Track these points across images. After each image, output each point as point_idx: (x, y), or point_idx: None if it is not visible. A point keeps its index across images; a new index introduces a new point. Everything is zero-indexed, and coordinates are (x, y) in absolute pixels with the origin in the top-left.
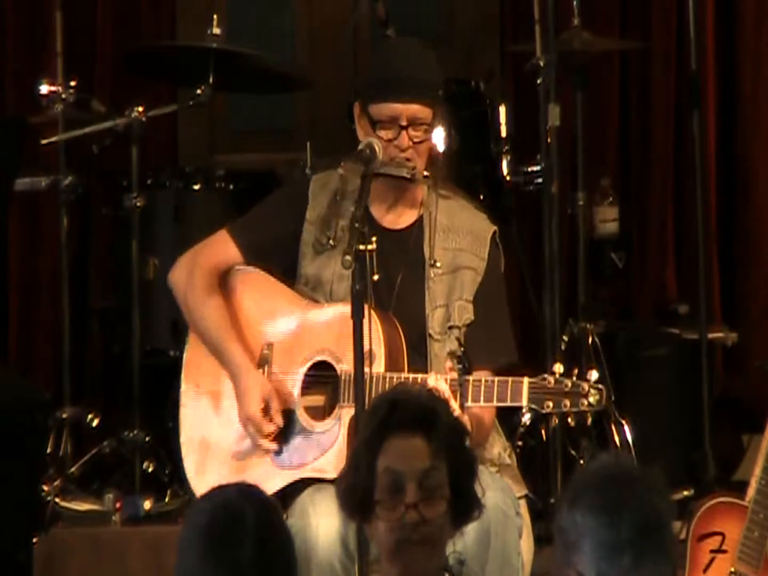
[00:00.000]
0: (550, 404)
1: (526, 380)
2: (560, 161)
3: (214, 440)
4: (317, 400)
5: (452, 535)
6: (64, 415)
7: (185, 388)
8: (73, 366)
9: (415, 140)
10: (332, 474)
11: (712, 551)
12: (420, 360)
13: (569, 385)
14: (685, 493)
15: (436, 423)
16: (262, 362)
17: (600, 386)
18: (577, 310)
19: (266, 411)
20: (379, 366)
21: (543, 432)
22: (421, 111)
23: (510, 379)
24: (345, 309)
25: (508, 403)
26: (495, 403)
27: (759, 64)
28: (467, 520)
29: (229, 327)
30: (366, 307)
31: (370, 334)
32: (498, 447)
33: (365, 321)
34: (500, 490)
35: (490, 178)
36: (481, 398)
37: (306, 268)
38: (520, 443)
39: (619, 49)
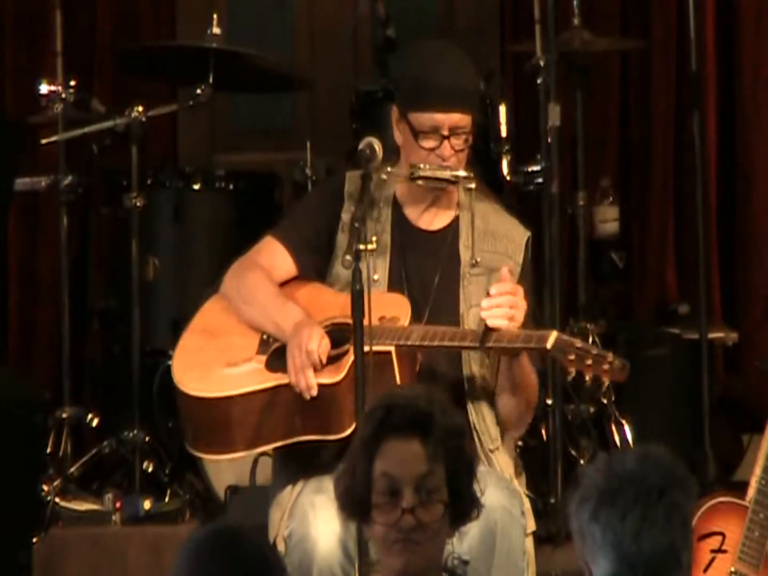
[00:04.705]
0: (573, 357)
1: (555, 331)
2: (560, 161)
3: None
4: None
5: (451, 536)
6: (64, 415)
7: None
8: (73, 366)
9: (457, 148)
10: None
11: (712, 551)
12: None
13: (595, 350)
14: None
15: (432, 426)
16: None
17: (626, 361)
18: (577, 310)
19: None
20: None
21: (543, 432)
22: (462, 119)
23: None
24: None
25: (533, 345)
26: (519, 344)
27: (759, 64)
28: (466, 520)
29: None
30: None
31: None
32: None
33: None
34: (505, 489)
35: (490, 178)
36: (505, 340)
37: (338, 267)
38: (520, 443)
39: (619, 48)
